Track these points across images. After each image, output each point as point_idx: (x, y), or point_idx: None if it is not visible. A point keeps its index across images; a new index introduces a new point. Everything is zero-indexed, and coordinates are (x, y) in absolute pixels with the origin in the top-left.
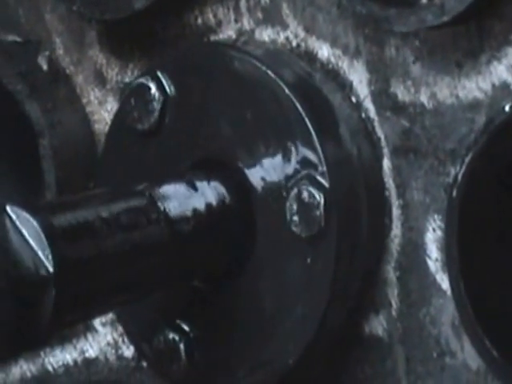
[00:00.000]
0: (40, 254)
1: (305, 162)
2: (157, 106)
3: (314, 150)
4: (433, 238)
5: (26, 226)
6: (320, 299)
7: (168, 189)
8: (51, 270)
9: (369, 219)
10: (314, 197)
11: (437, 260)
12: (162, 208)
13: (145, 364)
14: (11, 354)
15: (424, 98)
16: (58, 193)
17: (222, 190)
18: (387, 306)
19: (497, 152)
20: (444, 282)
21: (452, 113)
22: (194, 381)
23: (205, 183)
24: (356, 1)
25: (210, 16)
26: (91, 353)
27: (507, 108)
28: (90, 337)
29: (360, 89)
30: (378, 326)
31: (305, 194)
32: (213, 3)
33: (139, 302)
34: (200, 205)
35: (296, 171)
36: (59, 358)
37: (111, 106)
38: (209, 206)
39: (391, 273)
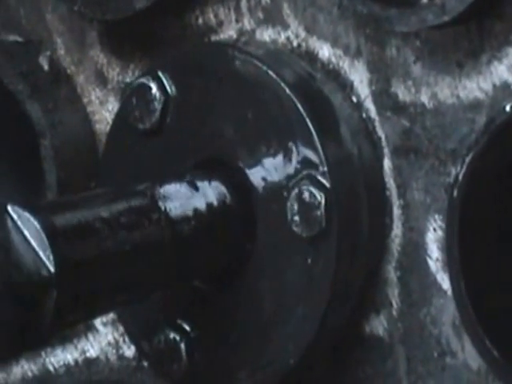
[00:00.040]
0: (41, 254)
1: (306, 162)
2: (158, 106)
3: (314, 150)
4: (433, 237)
5: (27, 226)
6: (321, 299)
7: (169, 189)
8: (52, 270)
9: (369, 219)
10: (314, 197)
11: (437, 260)
12: (162, 208)
13: (145, 364)
14: (12, 353)
15: (425, 98)
16: (59, 193)
17: (223, 189)
18: (388, 305)
19: (497, 152)
20: (445, 282)
21: (453, 113)
22: (195, 380)
23: (206, 183)
24: (357, 1)
25: (211, 16)
26: (92, 353)
27: (508, 108)
28: (90, 337)
29: (361, 89)
30: (378, 325)
31: (306, 194)
32: (214, 3)
33: (140, 302)
34: (201, 205)
35: (297, 171)
36: (60, 357)
37: (112, 106)
38: (210, 205)
39: (392, 273)
